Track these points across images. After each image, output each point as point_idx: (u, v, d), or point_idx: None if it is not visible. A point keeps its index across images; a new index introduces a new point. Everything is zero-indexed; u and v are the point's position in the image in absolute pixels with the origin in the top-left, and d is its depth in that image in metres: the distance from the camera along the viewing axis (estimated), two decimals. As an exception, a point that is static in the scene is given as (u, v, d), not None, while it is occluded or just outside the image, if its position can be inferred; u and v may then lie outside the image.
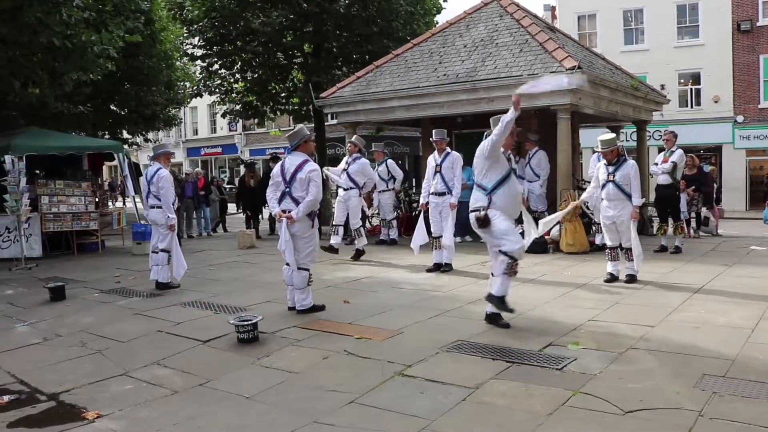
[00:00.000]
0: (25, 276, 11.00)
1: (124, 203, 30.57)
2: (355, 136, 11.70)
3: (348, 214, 11.28)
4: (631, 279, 8.35)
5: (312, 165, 7.07)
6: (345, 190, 11.23)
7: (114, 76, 17.43)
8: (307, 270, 7.18)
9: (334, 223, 11.32)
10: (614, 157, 8.35)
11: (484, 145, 6.36)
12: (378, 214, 14.09)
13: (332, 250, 10.94)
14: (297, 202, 6.97)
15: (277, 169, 7.21)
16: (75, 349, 6.40)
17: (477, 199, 6.37)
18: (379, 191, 13.16)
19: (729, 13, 28.11)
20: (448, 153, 9.72)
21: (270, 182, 7.33)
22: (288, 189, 7.03)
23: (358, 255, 11.13)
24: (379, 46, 21.27)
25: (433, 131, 9.95)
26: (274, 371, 5.42)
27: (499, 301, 6.23)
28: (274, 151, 25.65)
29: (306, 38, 22.01)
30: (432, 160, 9.82)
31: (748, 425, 3.94)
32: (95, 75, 14.49)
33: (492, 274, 6.47)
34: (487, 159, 6.29)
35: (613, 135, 8.82)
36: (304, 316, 7.08)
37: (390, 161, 13.48)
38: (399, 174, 13.27)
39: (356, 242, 11.29)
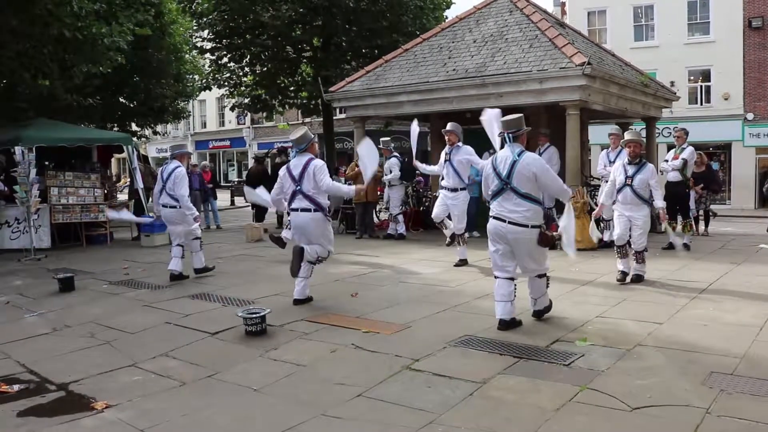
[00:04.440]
0: (35, 267, 11.06)
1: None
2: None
3: None
4: (638, 278, 8.31)
5: (317, 161, 7.28)
6: None
7: (123, 69, 17.42)
8: (316, 262, 7.40)
9: None
10: (638, 154, 8.21)
11: (553, 186, 6.09)
12: (387, 208, 14.12)
13: (280, 242, 10.57)
14: (310, 199, 7.12)
15: (283, 171, 7.36)
16: (84, 339, 6.44)
17: (534, 215, 5.89)
18: (389, 186, 13.22)
19: (740, 10, 27.89)
20: (460, 147, 9.68)
21: (276, 185, 7.49)
22: (299, 187, 7.15)
23: None
24: (388, 41, 21.24)
25: (448, 123, 9.95)
26: (281, 364, 5.44)
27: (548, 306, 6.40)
28: (283, 144, 25.64)
29: (315, 32, 22.01)
30: (444, 154, 9.84)
31: (756, 423, 3.93)
32: (105, 67, 14.52)
33: (534, 298, 6.36)
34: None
35: (637, 129, 8.80)
36: (310, 308, 7.11)
37: (392, 159, 13.48)
38: (396, 172, 13.34)
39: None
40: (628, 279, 8.27)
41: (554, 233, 6.36)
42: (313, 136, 7.53)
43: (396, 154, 13.75)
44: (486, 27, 14.71)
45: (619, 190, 8.25)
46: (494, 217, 6.00)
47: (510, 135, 6.00)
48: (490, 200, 6.09)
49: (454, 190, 9.62)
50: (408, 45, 15.95)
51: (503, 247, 6.01)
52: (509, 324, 6.01)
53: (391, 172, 13.29)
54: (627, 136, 8.60)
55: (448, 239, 10.04)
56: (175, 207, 8.96)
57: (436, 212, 9.85)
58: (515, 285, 6.05)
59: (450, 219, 9.78)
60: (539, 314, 6.34)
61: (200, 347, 6.05)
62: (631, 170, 8.16)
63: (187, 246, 9.17)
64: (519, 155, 5.87)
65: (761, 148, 28.38)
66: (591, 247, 11.12)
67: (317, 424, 4.22)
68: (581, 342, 5.62)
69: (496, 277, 6.12)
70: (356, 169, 13.15)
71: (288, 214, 7.60)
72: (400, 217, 13.47)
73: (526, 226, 5.82)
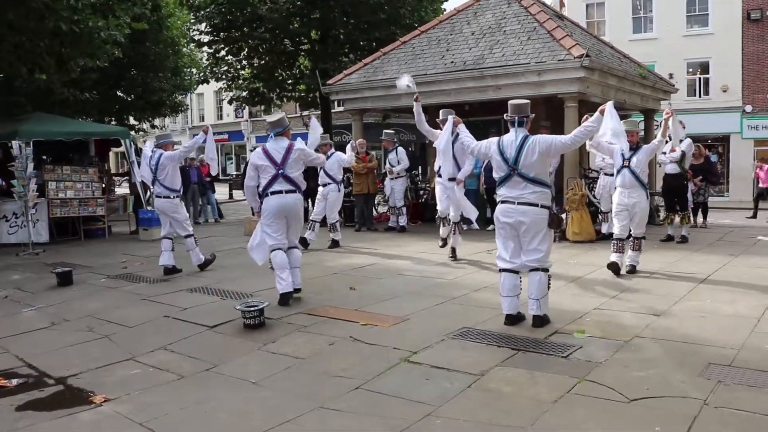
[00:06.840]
0: (33, 261, 11.05)
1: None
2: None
3: (326, 209, 11.25)
4: (632, 269, 8.33)
5: (300, 143, 7.25)
6: (323, 186, 11.23)
7: (120, 63, 17.42)
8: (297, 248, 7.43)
9: (311, 219, 11.30)
10: (636, 141, 8.45)
11: (564, 141, 5.98)
12: (387, 201, 14.07)
13: (304, 243, 10.54)
14: (292, 182, 7.03)
15: (259, 155, 7.07)
16: (82, 333, 6.44)
17: (543, 196, 5.85)
18: (391, 178, 13.15)
19: (739, 2, 27.81)
20: (458, 134, 9.61)
21: (249, 171, 7.22)
22: (282, 170, 6.99)
23: (335, 245, 11.15)
24: (386, 33, 21.20)
25: (441, 111, 9.82)
26: (280, 357, 5.44)
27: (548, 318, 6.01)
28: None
29: (313, 25, 21.97)
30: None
31: (753, 414, 3.94)
32: (102, 61, 14.46)
33: (537, 299, 5.89)
34: (554, 156, 6.02)
35: (635, 120, 9.03)
36: (309, 301, 7.09)
37: (400, 149, 13.44)
38: (405, 162, 13.22)
39: (332, 234, 11.23)
40: (623, 270, 8.29)
41: (562, 216, 6.32)
42: (289, 122, 7.41)
43: (398, 145, 13.69)
44: (484, 19, 14.67)
45: (618, 173, 8.45)
46: (503, 201, 5.92)
47: (521, 119, 5.94)
48: (497, 185, 6.01)
49: (453, 180, 9.52)
50: (406, 37, 15.92)
51: (510, 232, 5.89)
52: (516, 318, 5.97)
53: (399, 163, 13.18)
54: (624, 126, 8.68)
55: (441, 241, 10.09)
56: (168, 197, 9.06)
57: (442, 207, 9.77)
58: (520, 278, 6.00)
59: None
60: (541, 322, 5.87)
61: (198, 341, 6.05)
62: (628, 153, 8.38)
63: (184, 243, 9.19)
64: (525, 140, 5.81)
65: (759, 140, 28.36)
66: (589, 239, 11.15)
67: (315, 417, 4.23)
68: (579, 334, 5.62)
69: (500, 271, 6.00)
70: (363, 163, 13.13)
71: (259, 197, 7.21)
72: (404, 210, 13.42)
73: (536, 205, 5.78)
